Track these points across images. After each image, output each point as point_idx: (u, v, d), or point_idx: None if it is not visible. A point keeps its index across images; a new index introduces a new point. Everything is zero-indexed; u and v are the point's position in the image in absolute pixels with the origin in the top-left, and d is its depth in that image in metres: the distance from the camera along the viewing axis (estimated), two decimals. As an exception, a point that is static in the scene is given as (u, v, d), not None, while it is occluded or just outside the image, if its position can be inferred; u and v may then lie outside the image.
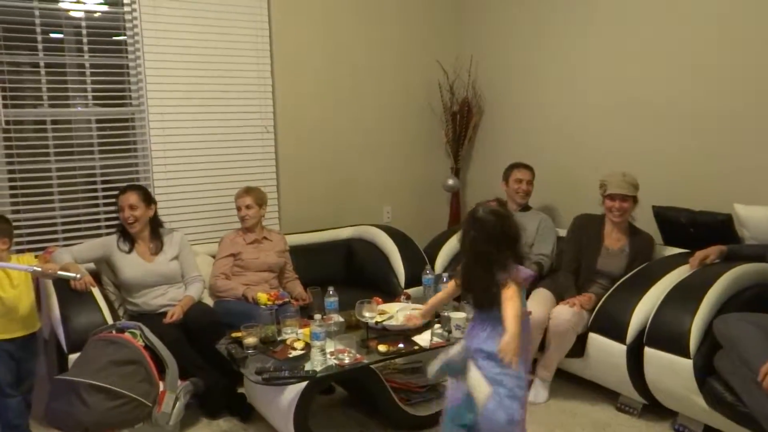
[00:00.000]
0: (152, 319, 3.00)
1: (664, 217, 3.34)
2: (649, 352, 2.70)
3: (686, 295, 2.68)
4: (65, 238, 3.61)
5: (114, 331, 2.67)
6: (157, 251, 3.28)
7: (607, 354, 2.87)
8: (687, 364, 2.54)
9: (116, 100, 3.76)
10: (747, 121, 3.16)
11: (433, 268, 3.90)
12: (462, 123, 4.69)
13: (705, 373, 2.51)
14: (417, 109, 4.75)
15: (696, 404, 2.57)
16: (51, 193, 3.59)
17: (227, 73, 3.96)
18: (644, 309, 2.80)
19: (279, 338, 2.77)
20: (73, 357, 2.69)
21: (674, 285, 2.77)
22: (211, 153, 3.96)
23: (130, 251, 3.22)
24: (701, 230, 3.16)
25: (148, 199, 3.28)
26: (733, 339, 2.38)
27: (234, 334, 2.82)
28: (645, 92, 3.62)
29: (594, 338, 2.93)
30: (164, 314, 3.11)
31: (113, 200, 3.31)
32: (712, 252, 2.88)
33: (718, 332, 2.46)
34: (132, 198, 3.19)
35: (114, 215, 3.40)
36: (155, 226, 3.33)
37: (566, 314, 2.97)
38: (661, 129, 3.56)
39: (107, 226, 3.63)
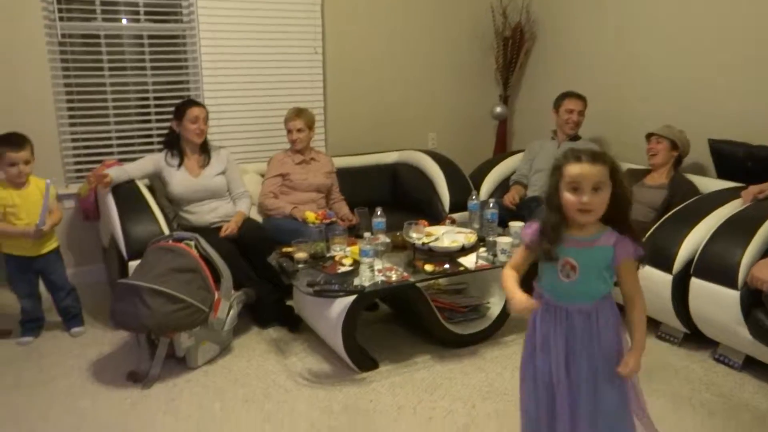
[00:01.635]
0: (206, 232, 3.10)
1: (720, 150, 3.26)
2: (695, 282, 2.70)
3: (738, 228, 2.65)
4: (119, 152, 3.72)
5: (171, 241, 2.79)
6: (204, 165, 3.36)
7: (652, 283, 2.87)
8: (734, 295, 2.54)
9: (168, 16, 3.76)
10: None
11: (478, 194, 3.91)
12: (513, 49, 4.57)
13: (751, 304, 2.51)
14: (468, 34, 4.63)
15: (739, 335, 2.59)
16: (106, 108, 3.67)
17: (278, -8, 3.91)
18: (694, 240, 2.78)
19: (328, 255, 2.86)
20: (132, 264, 2.84)
21: (726, 218, 2.74)
22: (261, 73, 3.97)
23: (179, 166, 3.30)
24: (759, 164, 3.08)
25: (207, 112, 3.37)
26: None
27: (285, 249, 2.92)
28: (705, 23, 3.46)
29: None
30: (217, 229, 3.23)
31: (165, 116, 3.38)
32: (767, 187, 2.81)
33: None
34: (205, 112, 3.30)
35: (164, 131, 3.47)
36: (204, 143, 3.40)
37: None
38: (719, 61, 3.41)
39: (158, 142, 3.72)
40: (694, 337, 2.91)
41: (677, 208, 3.02)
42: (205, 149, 3.40)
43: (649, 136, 3.33)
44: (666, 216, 3.01)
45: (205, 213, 3.31)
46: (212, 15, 3.75)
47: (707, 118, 3.45)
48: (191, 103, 3.32)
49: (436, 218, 3.57)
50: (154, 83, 3.78)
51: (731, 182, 3.21)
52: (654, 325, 3.07)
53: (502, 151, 4.69)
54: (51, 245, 2.96)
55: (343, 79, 4.25)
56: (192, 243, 2.81)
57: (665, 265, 2.81)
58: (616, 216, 1.66)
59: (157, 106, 3.80)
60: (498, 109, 4.63)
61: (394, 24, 4.36)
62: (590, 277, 1.69)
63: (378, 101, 4.42)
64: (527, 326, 1.83)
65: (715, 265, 2.63)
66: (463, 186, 3.84)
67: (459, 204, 3.65)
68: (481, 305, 3.05)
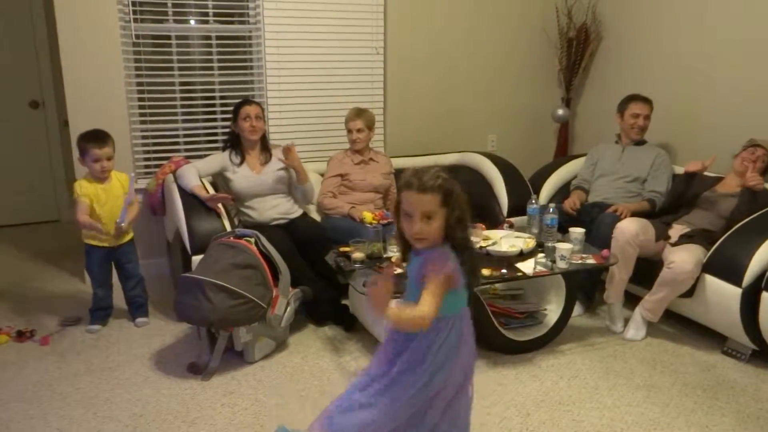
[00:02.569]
0: (266, 230, 3.17)
1: (799, 158, 3.09)
2: (766, 296, 2.57)
3: (817, 241, 2.51)
4: (186, 149, 3.84)
5: (233, 237, 2.87)
6: (266, 162, 3.43)
7: (719, 296, 2.77)
8: (809, 312, 2.42)
9: (235, 17, 3.86)
10: None
11: (537, 198, 3.84)
12: (578, 50, 4.47)
13: (829, 323, 2.38)
14: (530, 34, 4.56)
15: (814, 354, 2.46)
16: (174, 106, 3.80)
17: (341, -8, 3.96)
18: (766, 252, 2.65)
19: (384, 255, 2.87)
20: (195, 258, 2.93)
21: (804, 230, 2.60)
22: (322, 73, 4.02)
23: (240, 164, 3.39)
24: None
25: (263, 114, 3.44)
26: None
27: (342, 249, 2.95)
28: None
29: (707, 279, 2.82)
30: (278, 226, 3.30)
31: (230, 115, 3.47)
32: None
33: None
34: (257, 109, 3.37)
35: (228, 130, 3.56)
36: (265, 140, 3.48)
37: (689, 264, 2.82)
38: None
39: (224, 141, 3.82)
40: (763, 354, 2.78)
41: (750, 218, 2.88)
42: (265, 146, 3.48)
43: (749, 147, 3.18)
44: (737, 226, 2.88)
45: (266, 209, 3.39)
46: (277, 16, 3.83)
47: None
48: (244, 102, 3.40)
49: (494, 222, 3.53)
50: (221, 83, 3.89)
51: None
52: (720, 340, 2.95)
53: (563, 154, 4.59)
54: (128, 236, 3.12)
55: (403, 79, 4.26)
56: (252, 240, 2.88)
57: (734, 278, 2.69)
58: (452, 236, 1.65)
59: (222, 105, 3.91)
60: (560, 112, 4.53)
61: (456, 25, 4.33)
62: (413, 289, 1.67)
63: (438, 102, 4.41)
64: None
65: (789, 279, 2.50)
66: (522, 190, 3.78)
67: (518, 208, 3.59)
68: (538, 312, 3.01)
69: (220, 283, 2.56)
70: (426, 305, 1.58)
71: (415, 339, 1.69)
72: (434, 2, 4.23)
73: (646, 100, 3.63)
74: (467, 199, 1.67)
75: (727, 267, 2.74)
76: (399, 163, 3.95)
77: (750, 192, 3.04)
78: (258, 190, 3.39)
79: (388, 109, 4.27)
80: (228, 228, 3.06)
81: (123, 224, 2.97)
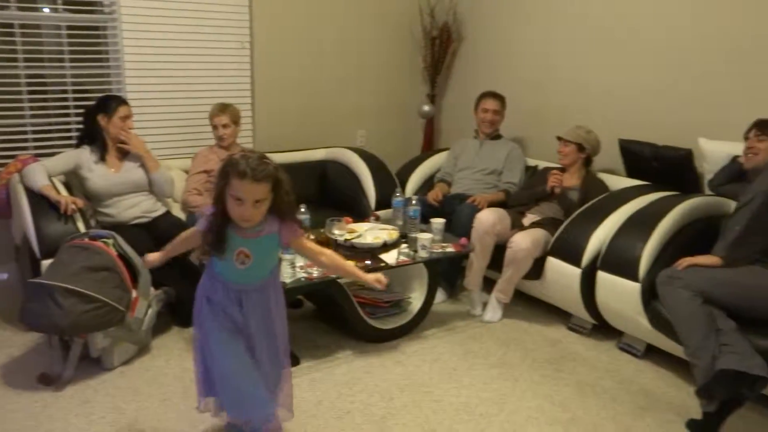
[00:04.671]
0: (126, 230, 3.05)
1: (629, 150, 3.44)
2: (601, 275, 2.85)
3: (640, 224, 2.82)
4: (36, 147, 3.59)
5: (87, 239, 2.72)
6: (124, 159, 3.29)
7: (562, 276, 3.03)
8: (635, 287, 2.70)
9: (87, 6, 3.65)
10: (711, 56, 3.22)
11: (404, 191, 3.99)
12: (441, 49, 4.66)
13: (650, 296, 2.68)
14: (396, 33, 4.70)
15: (641, 325, 2.76)
16: (21, 101, 3.53)
17: (203, -16, 3.87)
18: (600, 236, 2.94)
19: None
20: (46, 263, 2.75)
21: (630, 215, 2.90)
22: (186, 67, 3.91)
23: (99, 161, 3.22)
24: (663, 164, 3.28)
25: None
26: (670, 308, 2.50)
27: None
28: (619, 29, 3.63)
29: (552, 262, 3.08)
30: (138, 225, 3.18)
31: (85, 110, 3.29)
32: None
33: (660, 292, 2.56)
34: (131, 111, 3.25)
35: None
36: None
37: (525, 243, 3.09)
38: (631, 65, 3.59)
39: (79, 137, 3.61)
40: (602, 328, 3.08)
41: (586, 206, 3.18)
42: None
43: (558, 138, 3.47)
44: (576, 213, 3.16)
45: (125, 209, 3.24)
46: (135, 6, 3.66)
47: (619, 119, 3.64)
48: (121, 100, 3.25)
49: (362, 215, 3.61)
50: (73, 76, 3.67)
51: (639, 181, 3.40)
52: (565, 316, 3.23)
53: (429, 149, 4.78)
54: None
55: (271, 74, 4.24)
56: (110, 241, 2.76)
57: (574, 260, 2.96)
58: (278, 212, 1.84)
59: (76, 99, 3.68)
60: (425, 108, 4.72)
61: (323, 21, 4.37)
62: (263, 261, 1.90)
63: (307, 98, 4.43)
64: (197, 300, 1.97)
65: (618, 259, 2.79)
66: (389, 183, 3.90)
67: (385, 201, 3.70)
68: (402, 300, 3.13)
69: (71, 287, 2.43)
70: (318, 247, 2.01)
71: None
72: (300, -2, 4.25)
73: (497, 96, 3.87)
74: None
75: (568, 250, 3.00)
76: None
77: (563, 191, 3.35)
78: (117, 190, 3.24)
79: (256, 104, 4.23)
80: (82, 229, 2.90)
81: None
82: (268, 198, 1.79)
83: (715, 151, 3.05)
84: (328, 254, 2.03)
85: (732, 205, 2.86)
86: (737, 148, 2.87)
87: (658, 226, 2.76)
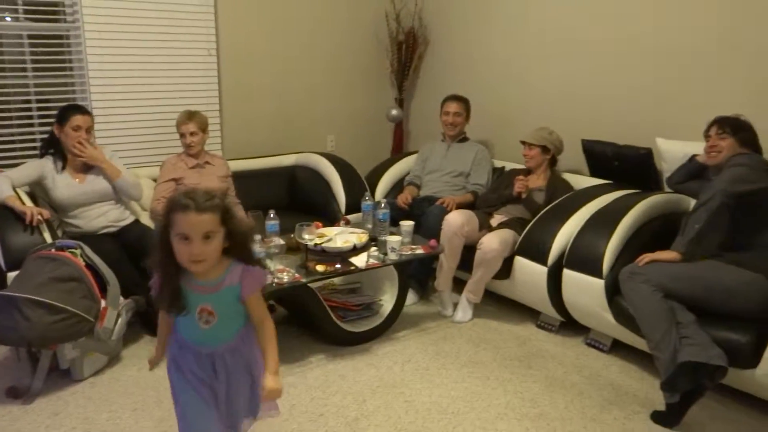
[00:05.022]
0: (94, 239, 3.02)
1: (591, 150, 3.52)
2: (567, 273, 2.92)
3: (602, 222, 2.90)
4: (-1, 158, 3.54)
5: (54, 250, 2.70)
6: (89, 169, 3.26)
7: (530, 275, 3.09)
8: (599, 284, 2.78)
9: (49, 15, 3.61)
10: (667, 59, 3.32)
11: (373, 195, 4.02)
12: (407, 53, 4.71)
13: (614, 292, 2.75)
14: (363, 38, 4.74)
15: (606, 320, 2.83)
16: (-18, 111, 3.48)
17: (168, -8, 3.86)
18: (565, 234, 3.01)
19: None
20: (12, 275, 2.72)
21: (593, 213, 2.98)
22: (152, 75, 3.89)
23: (61, 171, 3.19)
24: (624, 163, 3.37)
25: (92, 122, 3.26)
26: (633, 304, 2.57)
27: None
28: (579, 33, 3.72)
29: (519, 261, 3.14)
30: (106, 235, 3.15)
31: (49, 120, 3.25)
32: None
33: (623, 288, 2.62)
34: (88, 122, 3.18)
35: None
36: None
37: (494, 243, 3.15)
38: (592, 67, 3.69)
39: (41, 147, 3.56)
40: (569, 325, 3.15)
41: (551, 205, 3.25)
42: None
43: (522, 142, 3.54)
44: (541, 212, 3.23)
45: (93, 218, 3.21)
46: (98, 15, 3.63)
47: (582, 120, 3.73)
48: (75, 109, 3.19)
49: (333, 220, 3.64)
50: (36, 85, 3.62)
51: (602, 180, 3.49)
52: (534, 315, 3.29)
53: (399, 152, 4.83)
54: None
55: (239, 81, 4.24)
56: (77, 251, 2.74)
57: (541, 258, 3.02)
58: (235, 249, 1.64)
59: (39, 109, 3.64)
60: (393, 112, 4.76)
61: (290, 28, 4.39)
62: (229, 316, 1.68)
63: (276, 104, 4.44)
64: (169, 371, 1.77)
65: (582, 256, 2.86)
66: (359, 188, 3.93)
67: (355, 205, 3.73)
68: (373, 303, 3.16)
69: (38, 298, 2.40)
70: (267, 313, 1.74)
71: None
72: (268, 4, 4.25)
73: (459, 99, 3.93)
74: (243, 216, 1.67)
75: (534, 249, 3.07)
76: (238, 165, 3.95)
77: (530, 193, 3.43)
78: (82, 200, 3.21)
79: (224, 112, 4.22)
80: (48, 240, 2.87)
81: None
82: (220, 232, 1.58)
83: (672, 151, 3.14)
84: (268, 327, 1.73)
85: (691, 202, 2.96)
86: (693, 147, 2.98)
87: (620, 224, 2.84)
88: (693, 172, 2.98)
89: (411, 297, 3.47)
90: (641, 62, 3.44)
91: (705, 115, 2.84)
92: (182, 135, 3.51)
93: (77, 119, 3.15)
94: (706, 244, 2.58)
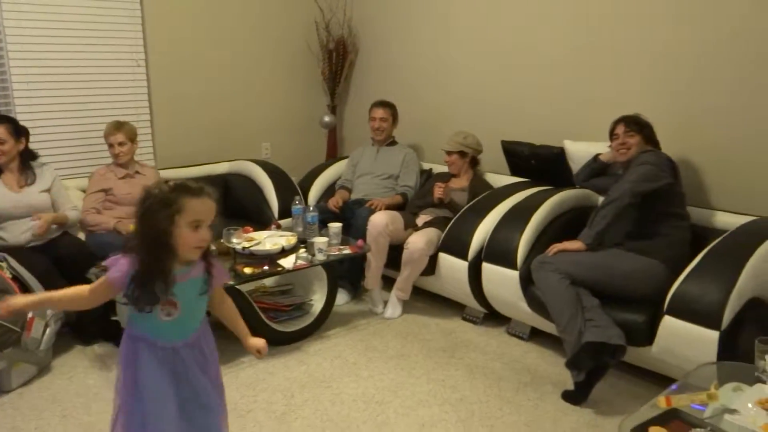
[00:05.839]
0: (21, 252, 3.01)
1: (510, 150, 3.72)
2: (486, 266, 3.09)
3: (516, 218, 3.09)
4: None
5: (-23, 263, 2.70)
6: (27, 183, 3.25)
7: (453, 270, 3.25)
8: (514, 275, 2.96)
9: (-31, 29, 3.58)
10: (575, 65, 3.55)
11: (306, 200, 4.13)
12: (338, 61, 4.84)
13: (528, 282, 2.93)
14: (295, 47, 4.84)
15: (523, 310, 3.01)
16: None
17: (94, 2, 3.86)
18: (483, 230, 3.18)
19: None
20: (-66, 290, 2.70)
21: (508, 209, 3.16)
22: (79, 86, 3.89)
23: None
24: (540, 162, 3.57)
25: (18, 132, 3.23)
26: (543, 291, 2.75)
27: (104, 263, 2.91)
28: (498, 42, 3.93)
29: (443, 257, 3.30)
30: (34, 248, 3.14)
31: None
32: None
33: (534, 277, 2.80)
34: (2, 131, 3.14)
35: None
36: (26, 158, 3.28)
37: (420, 243, 3.29)
38: (510, 73, 3.90)
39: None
40: (492, 317, 3.33)
41: (471, 203, 3.43)
42: (26, 166, 3.28)
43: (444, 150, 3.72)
44: (462, 210, 3.40)
45: (20, 232, 3.20)
46: (20, 27, 3.62)
47: (502, 122, 3.93)
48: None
49: (266, 225, 3.72)
50: (-43, 97, 3.59)
51: (520, 178, 3.69)
52: (460, 308, 3.45)
53: (333, 158, 4.93)
54: None
55: (170, 91, 4.27)
56: (3, 264, 2.74)
57: (462, 254, 3.19)
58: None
59: (-39, 122, 3.59)
60: (326, 119, 4.88)
61: (223, 36, 4.45)
62: (192, 310, 1.68)
63: (210, 113, 4.49)
64: (122, 368, 1.74)
65: (498, 250, 3.04)
66: (291, 193, 4.01)
67: (287, 210, 3.79)
68: (304, 303, 3.25)
69: (-40, 310, 2.41)
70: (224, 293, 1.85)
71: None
72: (196, 15, 4.31)
73: (386, 105, 4.09)
74: None
75: (456, 245, 3.23)
76: (169, 174, 3.97)
77: (452, 196, 3.60)
78: (13, 212, 3.19)
79: (155, 121, 4.25)
80: (-28, 254, 2.86)
81: None
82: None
83: (579, 151, 3.36)
84: (230, 303, 1.87)
85: (597, 197, 3.19)
86: (596, 147, 3.21)
87: (532, 218, 3.03)
88: (596, 170, 3.21)
89: (343, 297, 3.58)
90: (553, 66, 3.67)
91: (607, 117, 3.05)
92: (110, 145, 3.52)
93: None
94: (610, 235, 2.79)
